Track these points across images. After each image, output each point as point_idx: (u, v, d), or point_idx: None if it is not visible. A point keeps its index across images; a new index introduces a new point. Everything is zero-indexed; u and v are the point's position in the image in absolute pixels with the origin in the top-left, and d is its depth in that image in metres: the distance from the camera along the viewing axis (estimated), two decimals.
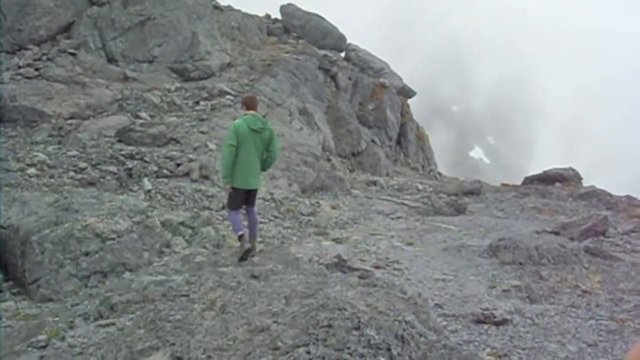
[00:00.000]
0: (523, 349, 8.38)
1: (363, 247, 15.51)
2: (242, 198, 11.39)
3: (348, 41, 43.60)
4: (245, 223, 11.65)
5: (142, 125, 21.18)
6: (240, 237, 11.04)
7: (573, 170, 35.00)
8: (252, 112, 11.30)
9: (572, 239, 16.46)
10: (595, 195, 25.55)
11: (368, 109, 37.58)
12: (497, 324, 9.44)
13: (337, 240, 16.42)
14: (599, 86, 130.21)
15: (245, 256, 10.71)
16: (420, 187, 28.54)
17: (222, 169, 11.36)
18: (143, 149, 19.39)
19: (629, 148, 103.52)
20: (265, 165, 11.48)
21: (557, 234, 17.41)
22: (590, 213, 20.55)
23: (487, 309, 9.92)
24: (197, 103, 24.53)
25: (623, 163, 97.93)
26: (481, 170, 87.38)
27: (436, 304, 10.55)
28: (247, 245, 10.86)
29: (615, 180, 52.00)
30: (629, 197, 26.77)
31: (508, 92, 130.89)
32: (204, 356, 6.14)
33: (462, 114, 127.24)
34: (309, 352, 5.47)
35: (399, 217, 20.97)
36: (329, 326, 5.87)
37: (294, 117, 26.98)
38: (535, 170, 38.56)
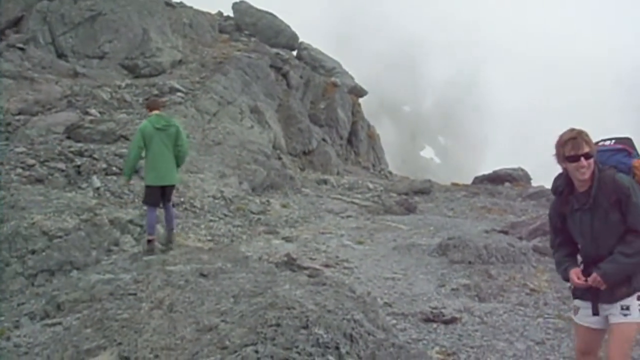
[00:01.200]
0: (471, 347, 8.43)
1: (313, 246, 15.50)
2: (158, 194, 12.23)
3: (300, 40, 43.63)
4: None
5: (91, 122, 20.91)
6: (150, 242, 12.12)
7: (522, 170, 35.43)
8: (155, 112, 12.29)
9: (520, 238, 16.62)
10: (544, 195, 25.80)
11: (319, 107, 37.57)
12: (446, 322, 9.49)
13: (287, 239, 16.40)
14: (549, 88, 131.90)
15: (151, 253, 11.81)
16: (371, 186, 28.62)
17: (124, 166, 12.79)
18: (92, 146, 19.15)
19: None
20: (178, 160, 12.40)
21: (506, 233, 17.57)
22: (539, 213, 20.75)
23: (436, 308, 9.97)
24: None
25: None
26: (432, 170, 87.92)
27: (385, 303, 10.57)
28: (154, 247, 12.07)
29: None
30: None
31: (459, 92, 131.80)
32: (151, 355, 6.08)
33: (413, 114, 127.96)
34: (257, 352, 5.44)
35: (349, 216, 21.01)
36: (278, 325, 5.85)
37: (245, 115, 26.91)
38: (486, 170, 38.96)
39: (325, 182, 27.83)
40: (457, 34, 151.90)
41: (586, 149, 5.04)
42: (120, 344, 6.47)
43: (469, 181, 36.59)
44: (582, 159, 5.04)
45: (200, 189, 19.18)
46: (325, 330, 5.80)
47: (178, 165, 12.57)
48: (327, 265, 13.10)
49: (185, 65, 29.18)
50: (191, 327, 6.46)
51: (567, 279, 5.46)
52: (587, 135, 5.10)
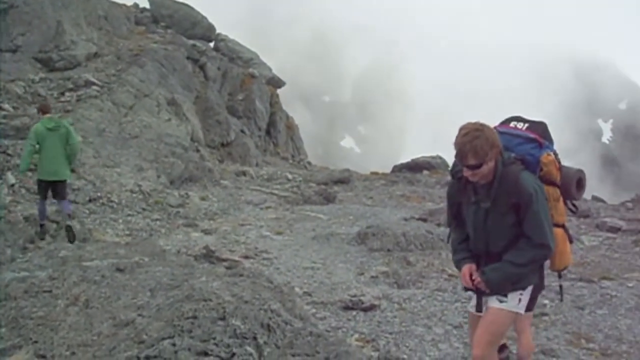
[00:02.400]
0: (390, 334, 8.55)
1: (232, 238, 15.50)
2: (47, 188, 13.22)
3: (217, 31, 43.38)
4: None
5: (4, 117, 20.42)
6: (42, 226, 13.36)
7: (441, 158, 35.95)
8: (47, 115, 13.49)
9: (439, 225, 16.90)
10: None
11: (237, 99, 37.44)
12: (365, 309, 9.60)
13: (206, 232, 16.36)
14: (470, 76, 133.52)
15: (42, 236, 13.23)
16: (290, 176, 28.67)
17: (20, 162, 13.95)
18: (6, 142, 18.72)
19: None
20: (70, 158, 13.51)
21: (424, 220, 17.86)
22: None
23: (355, 296, 10.05)
24: (63, 94, 23.87)
25: None
26: (352, 160, 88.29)
27: (305, 292, 10.65)
28: (46, 231, 13.44)
29: None
30: None
31: (378, 81, 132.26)
32: (67, 353, 6.01)
33: (332, 104, 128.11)
34: (174, 344, 5.43)
35: (268, 207, 21.02)
36: (194, 317, 5.85)
37: (162, 107, 26.61)
38: (405, 158, 39.38)
39: (244, 173, 27.77)
40: (375, 21, 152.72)
41: (471, 161, 4.80)
42: (35, 342, 6.38)
43: (389, 170, 36.94)
44: (465, 168, 4.90)
45: (117, 184, 18.96)
46: (242, 321, 5.81)
47: (70, 162, 13.67)
48: (246, 257, 13.14)
49: (101, 58, 28.65)
50: (108, 322, 6.41)
51: (460, 270, 5.36)
52: (479, 138, 4.78)
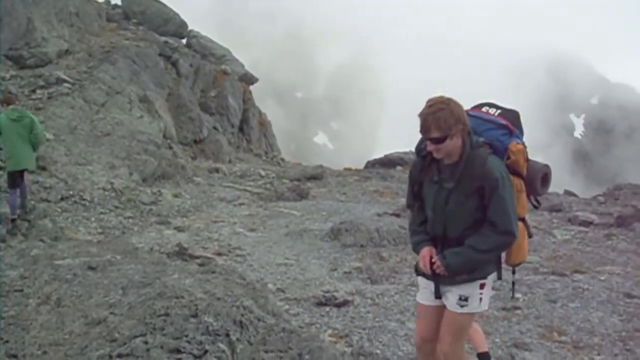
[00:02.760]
0: (364, 329, 8.57)
1: (205, 235, 15.47)
2: (18, 178, 13.67)
3: (189, 27, 43.24)
4: None
5: None
6: (13, 220, 13.55)
7: (414, 154, 35.91)
8: (11, 106, 13.76)
9: None
10: None
11: (210, 95, 37.34)
12: (338, 305, 9.61)
13: (179, 229, 16.30)
14: (442, 72, 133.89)
15: (14, 232, 13.30)
16: (263, 173, 28.62)
17: None
18: None
19: None
20: (34, 146, 13.91)
21: (397, 216, 17.88)
22: None
23: (328, 291, 10.06)
24: (34, 91, 23.65)
25: None
26: (325, 156, 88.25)
27: (278, 289, 10.65)
28: (17, 226, 13.55)
29: None
30: None
31: (351, 76, 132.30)
32: (39, 352, 5.99)
33: (305, 100, 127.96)
34: (146, 342, 5.43)
35: (241, 204, 20.98)
36: (166, 315, 5.85)
37: (134, 104, 26.45)
38: (378, 154, 39.41)
39: (217, 170, 27.69)
40: (351, 19, 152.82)
41: (434, 134, 4.67)
42: (7, 342, 6.35)
43: (362, 166, 36.97)
44: (429, 142, 4.76)
45: (89, 181, 18.82)
46: (214, 318, 5.82)
47: (35, 150, 14.16)
48: (219, 254, 13.11)
49: (72, 55, 28.41)
50: (79, 321, 6.40)
51: (418, 253, 5.16)
52: (443, 110, 4.67)
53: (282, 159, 40.68)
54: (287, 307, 9.46)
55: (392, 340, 8.13)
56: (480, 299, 5.02)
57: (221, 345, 5.53)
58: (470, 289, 4.98)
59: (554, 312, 9.65)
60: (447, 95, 4.82)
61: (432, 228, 5.10)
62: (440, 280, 5.03)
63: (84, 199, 17.63)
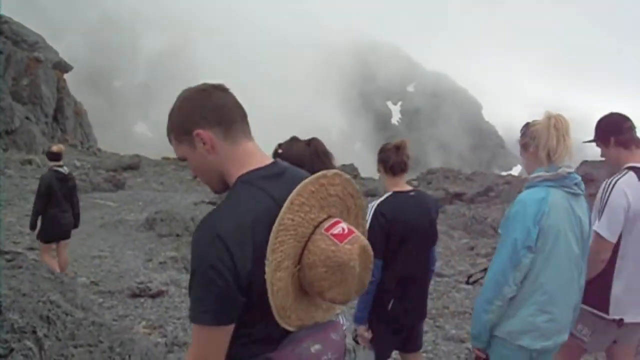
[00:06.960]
0: (178, 319, 8.66)
1: (17, 229, 15.07)
2: None
3: (0, 12, 41.56)
4: None
5: None
6: None
7: None
8: None
9: None
10: None
11: (22, 84, 36.13)
12: (153, 296, 9.66)
13: None
14: (261, 65, 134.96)
15: None
16: (78, 164, 28.01)
17: None
18: None
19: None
20: None
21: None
22: None
23: (142, 283, 10.07)
24: None
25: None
26: (145, 145, 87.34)
27: (92, 282, 10.56)
28: None
29: None
30: None
31: (171, 65, 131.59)
32: None
33: (124, 89, 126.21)
34: None
35: None
36: None
37: None
38: None
39: (29, 162, 26.82)
40: (169, 7, 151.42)
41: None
42: None
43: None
44: None
45: None
46: (20, 315, 5.71)
47: None
48: (31, 248, 12.82)
49: None
50: None
51: None
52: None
53: (99, 149, 39.89)
54: (101, 300, 9.42)
55: None
56: None
57: (28, 342, 5.44)
58: None
59: None
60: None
61: None
62: None
63: None
